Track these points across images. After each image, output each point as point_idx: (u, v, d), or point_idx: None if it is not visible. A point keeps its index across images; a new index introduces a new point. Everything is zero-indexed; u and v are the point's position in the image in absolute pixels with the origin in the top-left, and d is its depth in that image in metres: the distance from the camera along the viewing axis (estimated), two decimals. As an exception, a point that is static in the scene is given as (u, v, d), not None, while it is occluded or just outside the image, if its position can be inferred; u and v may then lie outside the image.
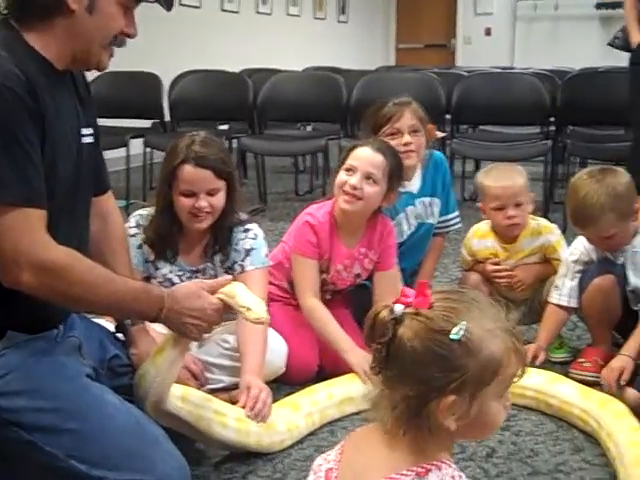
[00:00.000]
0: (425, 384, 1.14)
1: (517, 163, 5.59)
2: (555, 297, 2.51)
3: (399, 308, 1.17)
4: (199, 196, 2.12)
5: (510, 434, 2.12)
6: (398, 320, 1.16)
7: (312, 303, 2.40)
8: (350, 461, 1.21)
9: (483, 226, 2.75)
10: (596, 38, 9.93)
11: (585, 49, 9.62)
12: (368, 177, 2.35)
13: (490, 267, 2.69)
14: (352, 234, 2.47)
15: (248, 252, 2.24)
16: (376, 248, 2.49)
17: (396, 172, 2.40)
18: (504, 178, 2.62)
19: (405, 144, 2.61)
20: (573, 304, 2.50)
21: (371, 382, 1.59)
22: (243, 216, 2.30)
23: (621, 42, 2.70)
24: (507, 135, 5.17)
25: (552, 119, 4.92)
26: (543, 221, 2.72)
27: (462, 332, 1.14)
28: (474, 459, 1.98)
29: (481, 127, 5.63)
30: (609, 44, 3.47)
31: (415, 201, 2.75)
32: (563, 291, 2.50)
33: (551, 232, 2.68)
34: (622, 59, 4.07)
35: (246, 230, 2.27)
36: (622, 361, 2.24)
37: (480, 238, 2.74)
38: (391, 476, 1.13)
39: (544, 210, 4.48)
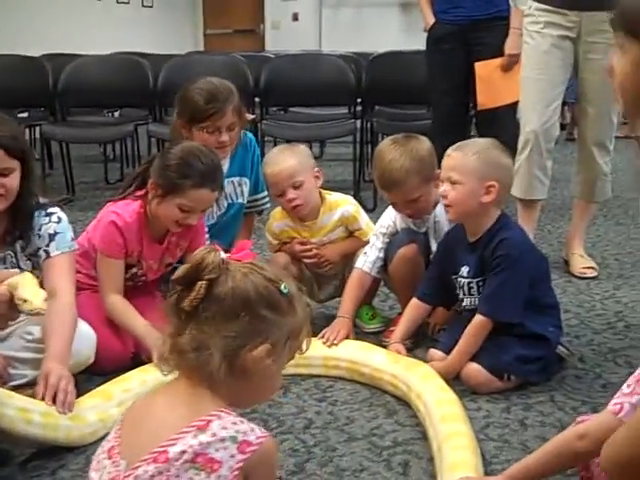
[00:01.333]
0: (251, 326, 1.16)
1: (327, 142, 5.77)
2: (361, 262, 2.58)
3: (224, 255, 1.20)
4: None
5: (327, 404, 2.16)
6: (226, 263, 1.18)
7: (113, 300, 2.36)
8: (132, 433, 1.18)
9: (281, 208, 2.73)
10: (397, 23, 10.33)
11: (388, 34, 9.97)
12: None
13: (297, 247, 2.69)
14: (162, 230, 2.43)
15: (52, 237, 2.14)
16: (186, 235, 2.46)
17: None
18: (274, 163, 2.60)
19: (221, 142, 2.61)
20: (374, 273, 2.57)
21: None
22: (44, 201, 2.18)
23: None
24: (316, 116, 5.26)
25: (359, 100, 5.06)
26: (338, 194, 2.75)
27: (288, 288, 1.21)
28: (292, 432, 1.99)
29: (291, 109, 5.70)
30: None
31: (224, 181, 2.72)
32: (369, 258, 2.57)
33: (348, 203, 2.71)
34: (421, 43, 4.24)
35: (49, 214, 2.16)
36: (395, 349, 2.32)
37: (280, 221, 2.73)
38: (172, 437, 1.11)
39: (355, 189, 4.60)
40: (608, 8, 3.09)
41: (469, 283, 2.29)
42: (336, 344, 2.35)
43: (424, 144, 2.48)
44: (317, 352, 2.31)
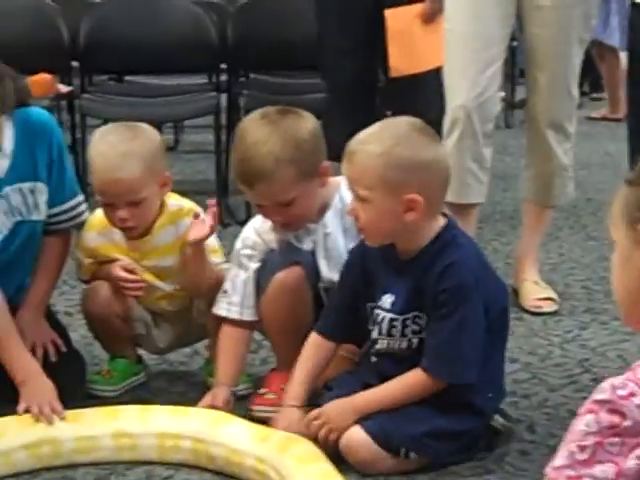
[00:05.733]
0: None
1: (186, 126, 5.70)
2: (224, 308, 2.54)
3: None
4: None
5: (162, 504, 2.13)
6: None
7: None
8: None
9: (103, 215, 2.67)
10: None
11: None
12: None
13: (119, 273, 2.64)
14: None
15: None
16: None
17: None
18: (115, 168, 2.53)
19: None
20: (249, 316, 2.54)
21: None
22: None
23: None
24: (162, 88, 5.23)
25: (224, 65, 5.04)
26: (186, 202, 2.73)
27: None
28: None
29: (127, 78, 5.64)
30: None
31: (4, 190, 2.60)
32: (234, 298, 2.54)
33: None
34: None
35: None
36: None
37: (98, 232, 2.70)
38: None
39: (219, 192, 4.55)
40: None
41: (392, 320, 2.30)
42: None
43: (306, 122, 2.48)
44: (149, 428, 2.29)
